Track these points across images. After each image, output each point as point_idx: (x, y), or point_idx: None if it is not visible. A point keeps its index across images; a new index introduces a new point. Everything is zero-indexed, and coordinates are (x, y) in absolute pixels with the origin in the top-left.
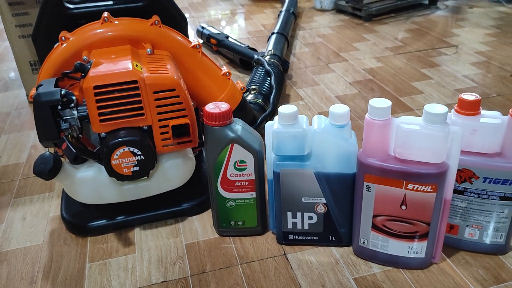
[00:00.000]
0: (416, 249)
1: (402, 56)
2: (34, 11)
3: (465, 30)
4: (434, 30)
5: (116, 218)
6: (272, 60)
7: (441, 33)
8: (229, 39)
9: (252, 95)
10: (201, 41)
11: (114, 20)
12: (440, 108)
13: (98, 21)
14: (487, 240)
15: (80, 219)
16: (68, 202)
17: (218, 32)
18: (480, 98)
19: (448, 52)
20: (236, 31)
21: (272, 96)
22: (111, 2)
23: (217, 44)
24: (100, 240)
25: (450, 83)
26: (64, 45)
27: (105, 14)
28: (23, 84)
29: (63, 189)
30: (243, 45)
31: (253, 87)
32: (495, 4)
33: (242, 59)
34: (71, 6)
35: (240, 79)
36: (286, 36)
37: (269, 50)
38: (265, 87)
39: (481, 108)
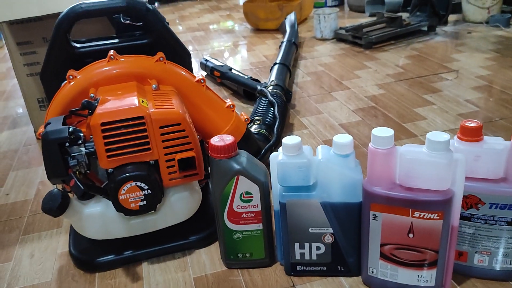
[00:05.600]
0: (425, 277)
1: (404, 82)
2: (42, 50)
3: (465, 55)
4: (434, 56)
5: (124, 253)
6: (275, 90)
7: (441, 58)
8: (233, 70)
9: (256, 125)
10: (204, 73)
11: (120, 58)
12: (443, 136)
13: (105, 59)
14: (497, 266)
15: (88, 255)
16: (76, 238)
17: (222, 64)
18: (481, 124)
19: (449, 77)
20: (239, 63)
21: (276, 126)
22: (116, 40)
23: (220, 76)
24: (108, 276)
25: (453, 108)
26: (72, 83)
27: (111, 52)
28: (31, 120)
29: (71, 225)
30: (246, 76)
31: (257, 117)
32: (493, 29)
33: (246, 90)
34: (78, 45)
35: (244, 110)
36: (288, 66)
37: (272, 81)
38: (269, 117)
39: (483, 134)
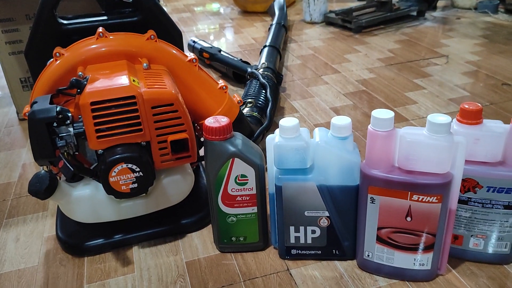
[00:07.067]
0: (421, 261)
1: (394, 66)
2: (25, 28)
3: (454, 40)
4: (424, 41)
5: (114, 236)
6: (266, 73)
7: (431, 43)
8: (222, 52)
9: (248, 108)
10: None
11: (109, 35)
12: (444, 118)
13: (93, 36)
14: (492, 250)
15: (76, 238)
16: (63, 221)
17: (210, 45)
18: (482, 107)
19: (438, 62)
20: (227, 45)
21: (268, 109)
22: (105, 18)
23: (209, 57)
24: (98, 260)
25: (444, 93)
26: (59, 61)
27: (100, 29)
28: (13, 101)
29: (58, 208)
30: (235, 59)
31: (249, 100)
32: (481, 15)
33: (235, 73)
34: (64, 22)
35: (233, 93)
36: (278, 49)
37: (262, 63)
38: (261, 100)
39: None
